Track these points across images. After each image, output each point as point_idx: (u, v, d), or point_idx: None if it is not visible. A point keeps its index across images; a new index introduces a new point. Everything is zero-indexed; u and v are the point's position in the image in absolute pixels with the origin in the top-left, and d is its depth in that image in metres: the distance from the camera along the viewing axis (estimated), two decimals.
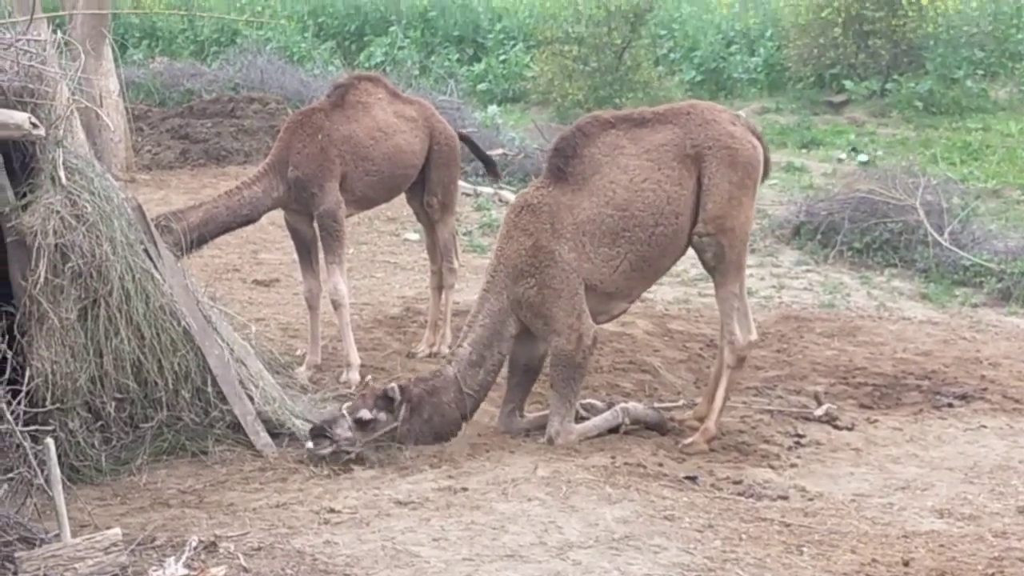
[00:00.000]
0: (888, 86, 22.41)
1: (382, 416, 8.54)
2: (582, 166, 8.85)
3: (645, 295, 10.44)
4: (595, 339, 8.91)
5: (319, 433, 8.44)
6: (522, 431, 9.02)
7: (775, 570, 6.78)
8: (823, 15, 22.72)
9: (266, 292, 12.94)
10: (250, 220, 10.56)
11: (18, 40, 8.14)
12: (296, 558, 6.73)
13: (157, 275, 8.55)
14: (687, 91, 23.12)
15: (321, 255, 10.55)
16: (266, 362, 9.38)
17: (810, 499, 8.05)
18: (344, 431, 8.45)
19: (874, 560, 6.98)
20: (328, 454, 8.42)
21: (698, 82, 23.97)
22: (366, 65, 24.93)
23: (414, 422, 8.63)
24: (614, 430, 8.96)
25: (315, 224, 10.44)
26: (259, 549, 6.84)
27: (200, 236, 10.04)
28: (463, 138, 11.91)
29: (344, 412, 8.52)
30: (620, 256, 8.81)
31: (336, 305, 10.37)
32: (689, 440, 8.88)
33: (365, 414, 8.49)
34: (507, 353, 8.99)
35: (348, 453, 8.45)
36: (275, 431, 8.73)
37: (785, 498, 8.02)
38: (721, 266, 8.98)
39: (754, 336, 9.23)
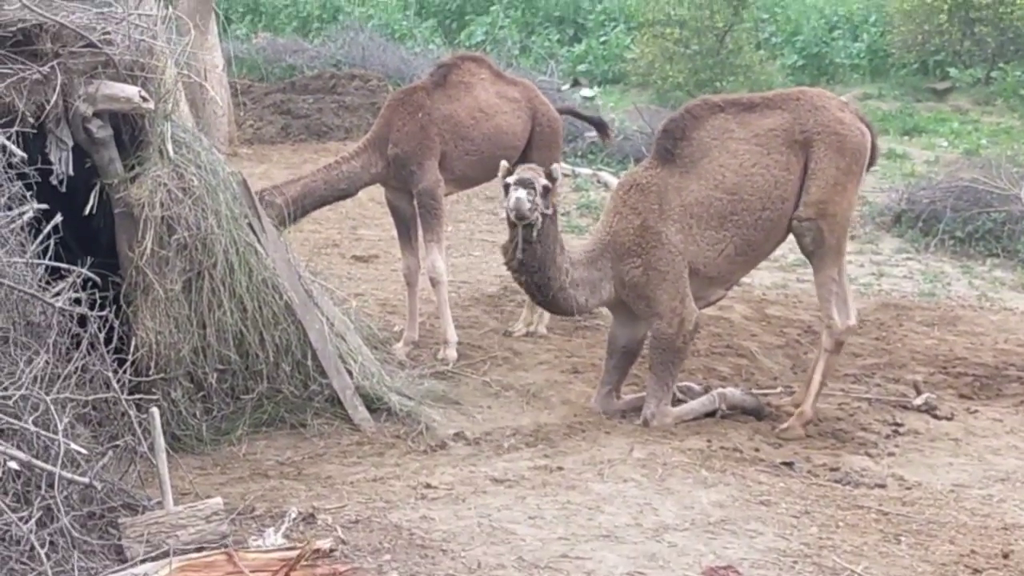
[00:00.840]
0: (993, 74, 22.15)
1: (552, 188, 8.50)
2: (691, 148, 8.84)
3: (743, 280, 10.40)
4: (697, 324, 8.91)
5: (527, 183, 8.32)
6: (618, 412, 9.03)
7: (872, 558, 6.74)
8: (929, 1, 22.43)
9: (365, 268, 13.01)
10: (347, 194, 10.67)
11: (129, 14, 8.24)
12: (393, 532, 6.79)
13: (260, 249, 8.63)
14: (788, 75, 22.96)
15: (420, 232, 10.59)
16: (365, 337, 9.43)
17: (908, 488, 8.00)
18: (539, 190, 8.37)
19: (973, 551, 6.92)
20: (527, 210, 8.27)
21: (800, 67, 23.81)
22: (466, 44, 24.98)
23: (549, 223, 8.52)
24: (710, 414, 8.96)
25: (414, 202, 10.48)
26: (356, 522, 6.92)
27: (299, 209, 10.13)
28: (564, 112, 11.89)
29: (530, 176, 8.40)
30: (726, 240, 8.81)
31: (434, 282, 10.40)
32: (785, 424, 8.86)
33: (547, 182, 8.42)
34: (593, 308, 9.10)
35: (532, 219, 8.34)
36: (373, 406, 8.78)
37: (883, 486, 7.98)
38: (820, 251, 8.94)
39: (853, 321, 9.17)
